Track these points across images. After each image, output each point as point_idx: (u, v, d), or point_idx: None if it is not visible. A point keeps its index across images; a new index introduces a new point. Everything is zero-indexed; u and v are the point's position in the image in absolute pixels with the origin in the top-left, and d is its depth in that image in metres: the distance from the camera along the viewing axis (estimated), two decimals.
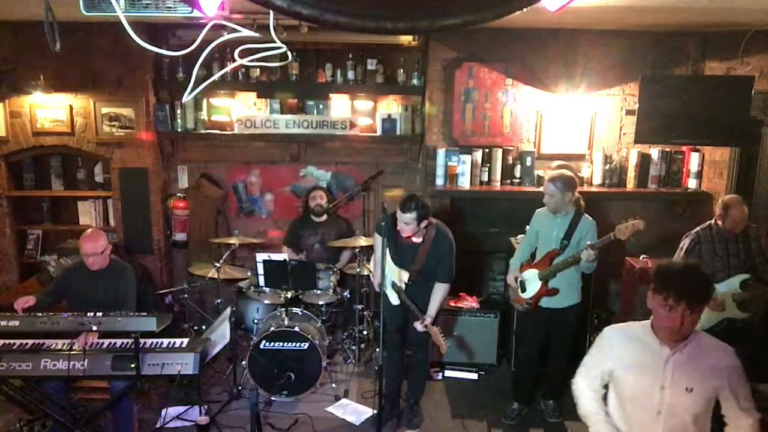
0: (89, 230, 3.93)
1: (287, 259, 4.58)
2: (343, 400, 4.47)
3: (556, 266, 3.98)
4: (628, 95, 5.33)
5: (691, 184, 5.40)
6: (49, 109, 5.15)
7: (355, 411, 4.34)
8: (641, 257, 4.83)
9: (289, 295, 4.55)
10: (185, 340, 3.59)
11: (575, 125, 5.36)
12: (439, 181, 5.34)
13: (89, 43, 4.98)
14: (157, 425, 4.08)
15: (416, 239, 3.90)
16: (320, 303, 4.79)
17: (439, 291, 3.95)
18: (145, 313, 3.41)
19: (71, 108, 5.16)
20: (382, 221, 3.82)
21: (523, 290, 4.18)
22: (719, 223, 3.99)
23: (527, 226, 4.32)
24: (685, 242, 4.11)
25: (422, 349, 4.18)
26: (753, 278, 3.91)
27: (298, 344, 4.32)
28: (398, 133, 5.44)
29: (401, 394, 4.35)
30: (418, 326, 3.83)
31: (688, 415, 2.25)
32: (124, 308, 3.67)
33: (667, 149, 5.39)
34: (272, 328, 4.34)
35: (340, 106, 5.53)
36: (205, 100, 5.40)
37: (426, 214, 3.78)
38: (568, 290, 4.08)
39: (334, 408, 4.38)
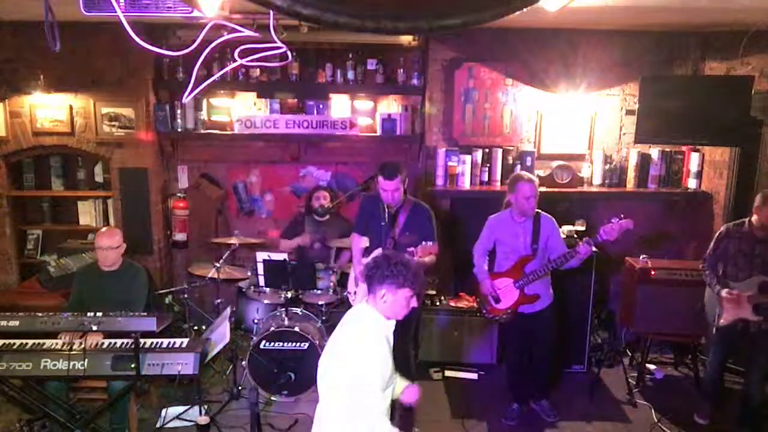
0: (105, 228, 4.02)
1: (287, 259, 4.57)
2: None
3: (536, 272, 3.96)
4: (628, 95, 5.34)
5: (691, 184, 5.40)
6: (49, 109, 5.14)
7: None
8: (641, 257, 4.82)
9: (289, 295, 4.54)
10: (185, 340, 3.59)
11: (575, 125, 5.36)
12: (439, 181, 5.34)
13: (89, 43, 4.98)
14: (157, 425, 4.08)
15: (392, 208, 3.89)
16: (320, 303, 4.79)
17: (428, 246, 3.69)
18: (145, 313, 3.42)
19: (71, 108, 5.16)
20: (383, 211, 3.80)
21: (497, 301, 4.12)
22: (753, 220, 3.90)
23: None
24: (716, 234, 4.11)
25: (406, 363, 4.05)
26: None
27: (298, 344, 4.32)
28: (398, 133, 5.43)
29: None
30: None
31: None
32: (134, 310, 3.67)
33: (667, 149, 5.39)
34: (272, 328, 4.34)
35: (340, 106, 5.52)
36: (205, 100, 5.40)
37: (406, 177, 3.84)
38: (544, 292, 4.09)
39: None
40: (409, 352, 4.13)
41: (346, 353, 2.42)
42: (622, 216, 3.76)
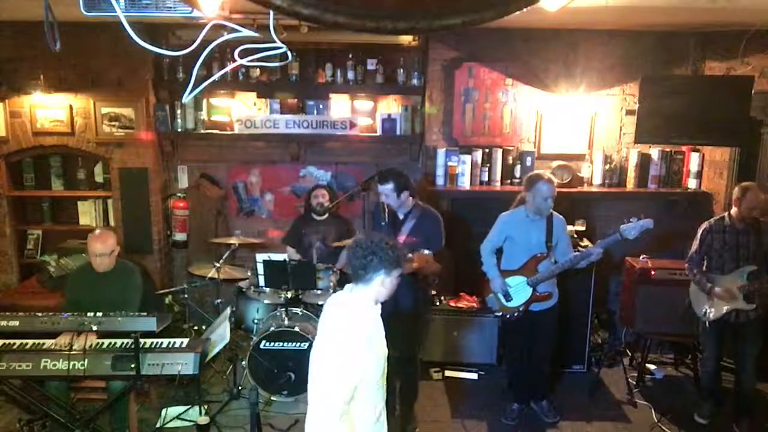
0: (98, 230, 3.95)
1: (287, 259, 4.57)
2: None
3: (550, 271, 3.96)
4: (628, 95, 5.33)
5: (691, 184, 5.40)
6: (49, 109, 5.14)
7: None
8: (641, 257, 4.83)
9: (289, 295, 4.55)
10: (185, 340, 3.59)
11: (575, 125, 5.36)
12: (439, 181, 5.34)
13: (89, 43, 4.98)
14: (157, 425, 4.08)
15: (401, 213, 3.88)
16: (320, 303, 4.77)
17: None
18: (145, 313, 3.41)
19: (71, 108, 5.16)
20: (382, 210, 3.84)
21: (508, 299, 4.10)
22: (732, 213, 4.02)
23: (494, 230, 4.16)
24: (698, 232, 4.17)
25: (411, 361, 4.06)
26: (761, 270, 3.95)
27: (298, 344, 4.32)
28: (398, 133, 5.43)
29: (395, 399, 4.25)
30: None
31: None
32: (128, 310, 3.67)
33: (667, 149, 5.39)
34: (272, 328, 4.34)
35: (340, 106, 5.52)
36: (205, 100, 5.39)
37: (404, 185, 3.79)
38: (554, 290, 4.09)
39: None
40: (415, 351, 4.14)
41: (337, 346, 2.37)
42: (642, 215, 3.76)
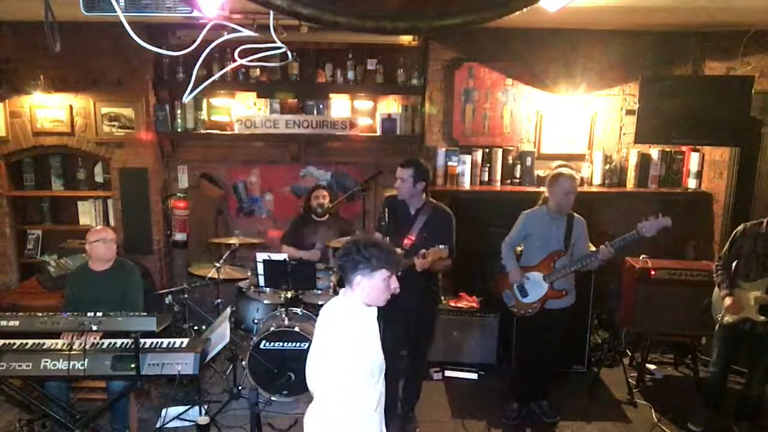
0: (99, 227, 4.06)
1: (287, 259, 4.57)
2: None
3: (566, 268, 3.96)
4: (628, 95, 5.34)
5: (691, 184, 5.41)
6: (49, 109, 5.15)
7: None
8: (641, 257, 4.82)
9: (289, 295, 4.54)
10: (185, 340, 3.58)
11: (575, 125, 5.36)
12: (439, 181, 5.34)
13: (89, 43, 4.98)
14: (157, 425, 4.08)
15: (412, 209, 3.88)
16: (320, 303, 4.77)
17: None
18: (145, 313, 3.41)
19: (71, 108, 5.16)
20: (383, 209, 3.83)
21: (524, 295, 4.11)
22: None
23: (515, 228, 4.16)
24: (733, 233, 4.08)
25: (420, 357, 4.13)
26: None
27: (298, 344, 4.32)
28: (398, 133, 5.44)
29: (397, 398, 4.23)
30: (417, 261, 3.62)
31: None
32: (131, 309, 3.66)
33: (667, 149, 5.39)
34: (272, 328, 4.34)
35: (340, 106, 5.53)
36: (205, 100, 5.40)
37: (422, 178, 3.80)
38: (571, 289, 4.08)
39: None
40: (424, 349, 4.16)
41: (330, 350, 2.35)
42: (660, 214, 3.76)
